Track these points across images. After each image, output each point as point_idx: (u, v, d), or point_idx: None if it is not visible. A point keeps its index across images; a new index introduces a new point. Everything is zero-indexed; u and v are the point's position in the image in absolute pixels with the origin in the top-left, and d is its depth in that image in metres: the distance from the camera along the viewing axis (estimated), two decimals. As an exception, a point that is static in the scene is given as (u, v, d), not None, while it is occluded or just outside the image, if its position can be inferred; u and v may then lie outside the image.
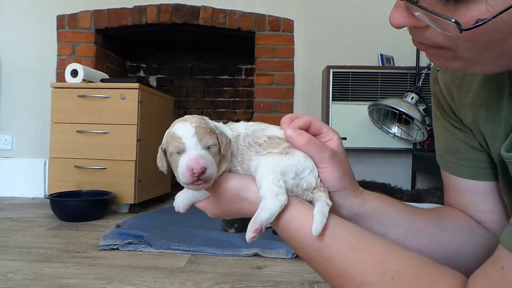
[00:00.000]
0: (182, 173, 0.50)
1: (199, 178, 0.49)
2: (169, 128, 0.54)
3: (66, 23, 2.88)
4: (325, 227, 0.48)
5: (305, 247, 0.50)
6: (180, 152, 0.51)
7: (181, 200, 0.59)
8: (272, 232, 1.53)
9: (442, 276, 0.44)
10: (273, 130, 0.57)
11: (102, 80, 2.47)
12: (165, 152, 0.54)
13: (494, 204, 0.58)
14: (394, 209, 0.59)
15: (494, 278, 0.40)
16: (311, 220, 0.48)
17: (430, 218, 0.60)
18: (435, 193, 2.01)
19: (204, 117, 0.56)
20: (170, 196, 2.91)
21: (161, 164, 0.55)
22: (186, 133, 0.51)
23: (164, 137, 0.54)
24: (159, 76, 3.71)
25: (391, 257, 0.46)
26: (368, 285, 0.44)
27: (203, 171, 0.49)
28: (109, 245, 1.57)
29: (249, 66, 3.57)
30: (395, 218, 0.59)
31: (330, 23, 2.85)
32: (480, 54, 0.38)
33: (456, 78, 0.58)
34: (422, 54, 2.54)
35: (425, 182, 2.69)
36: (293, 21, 2.85)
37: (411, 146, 2.52)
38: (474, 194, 0.59)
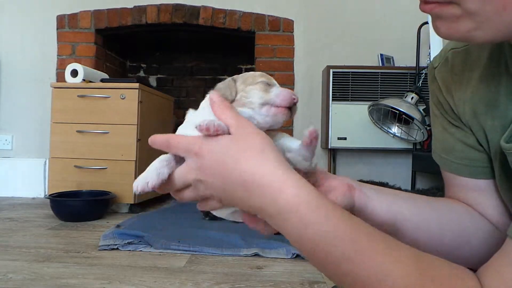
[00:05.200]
0: (281, 95, 0.50)
1: (291, 108, 0.50)
2: (242, 74, 0.53)
3: (66, 23, 2.88)
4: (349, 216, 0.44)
5: (336, 234, 0.42)
6: (271, 84, 0.51)
7: None
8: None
9: (469, 275, 0.42)
10: None
11: (102, 80, 2.47)
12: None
13: (494, 200, 0.58)
14: (393, 192, 0.61)
15: (506, 273, 0.39)
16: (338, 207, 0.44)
17: (430, 200, 0.62)
18: (436, 193, 2.01)
19: None
20: (170, 196, 2.91)
21: (229, 92, 0.50)
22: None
23: (236, 76, 0.53)
24: (159, 76, 3.71)
25: (422, 257, 0.42)
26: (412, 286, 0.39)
27: (297, 100, 0.50)
28: (109, 245, 1.57)
29: (249, 66, 3.57)
30: (395, 197, 0.59)
31: (330, 23, 2.85)
32: (483, 4, 0.38)
33: (455, 74, 0.58)
34: (422, 54, 2.54)
35: (425, 182, 2.69)
36: (293, 21, 2.85)
37: (411, 146, 2.52)
38: (473, 190, 0.60)
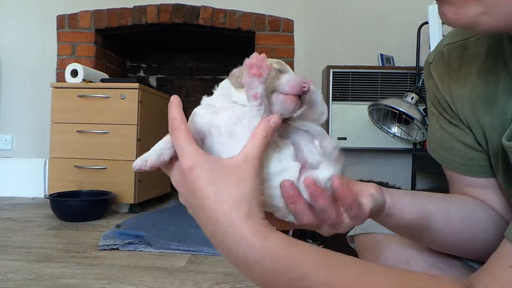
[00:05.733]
0: (290, 82, 0.45)
1: (301, 96, 0.46)
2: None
3: (66, 23, 2.88)
4: (320, 251, 0.42)
5: (308, 277, 0.40)
6: (283, 72, 0.48)
7: None
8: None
9: (452, 282, 0.40)
10: None
11: (102, 80, 2.47)
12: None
13: (497, 195, 0.58)
14: (412, 192, 0.59)
15: (503, 278, 0.37)
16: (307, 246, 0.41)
17: (445, 195, 0.61)
18: (435, 193, 2.01)
19: None
20: (170, 196, 2.91)
21: (239, 76, 0.48)
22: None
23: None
24: (159, 76, 3.71)
25: (390, 274, 0.41)
26: None
27: (309, 89, 0.46)
28: (109, 245, 1.57)
29: (249, 66, 3.57)
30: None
31: (330, 23, 2.85)
32: None
33: (452, 71, 0.57)
34: (422, 54, 2.54)
35: (425, 182, 2.69)
36: (293, 21, 2.85)
37: (411, 146, 2.52)
38: (476, 187, 0.60)
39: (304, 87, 0.45)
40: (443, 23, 0.46)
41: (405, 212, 0.52)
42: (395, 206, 0.52)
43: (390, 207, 0.51)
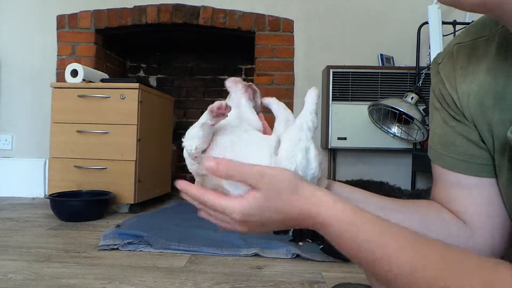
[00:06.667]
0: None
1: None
2: None
3: (66, 23, 2.88)
4: (382, 221, 0.49)
5: (369, 244, 0.47)
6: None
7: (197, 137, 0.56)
8: (272, 232, 1.53)
9: (504, 263, 0.42)
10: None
11: (102, 80, 2.47)
12: None
13: (479, 199, 0.59)
14: (365, 193, 0.64)
15: None
16: (373, 216, 0.49)
17: (399, 202, 0.64)
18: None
19: None
20: (170, 196, 2.92)
21: None
22: None
23: None
24: (159, 76, 3.71)
25: (449, 250, 0.45)
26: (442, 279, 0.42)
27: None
28: (109, 245, 1.57)
29: (249, 66, 3.57)
30: (365, 199, 0.63)
31: (330, 23, 2.85)
32: None
33: (460, 68, 0.58)
34: (422, 54, 2.54)
35: (425, 182, 2.69)
36: (293, 21, 2.85)
37: (411, 146, 2.52)
38: (461, 188, 0.60)
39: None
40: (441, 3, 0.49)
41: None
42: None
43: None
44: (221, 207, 0.50)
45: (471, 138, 0.58)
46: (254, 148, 0.56)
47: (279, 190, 0.49)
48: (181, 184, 0.52)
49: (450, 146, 0.60)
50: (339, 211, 0.48)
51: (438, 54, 0.64)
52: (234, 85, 0.65)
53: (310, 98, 0.57)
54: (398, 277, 0.44)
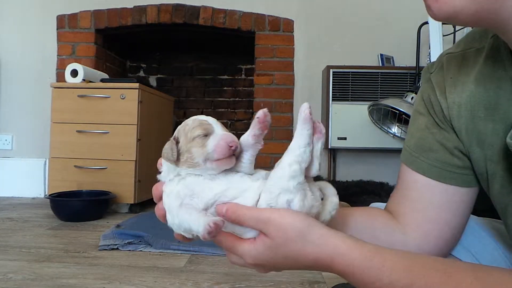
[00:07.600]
0: (217, 148, 0.49)
1: (234, 153, 0.49)
2: (184, 122, 0.53)
3: (66, 23, 2.88)
4: (404, 256, 0.48)
5: (395, 284, 0.45)
6: (208, 134, 0.51)
7: (206, 225, 0.48)
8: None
9: None
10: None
11: (102, 80, 2.47)
12: (177, 142, 0.53)
13: (433, 211, 0.60)
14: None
15: None
16: (392, 253, 0.47)
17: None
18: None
19: None
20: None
21: (171, 154, 0.52)
22: (210, 119, 0.52)
23: (178, 129, 0.53)
24: (159, 76, 3.71)
25: (479, 273, 0.45)
26: None
27: (237, 146, 0.49)
28: (109, 245, 1.57)
29: (249, 66, 3.57)
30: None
31: (330, 23, 2.85)
32: None
33: (450, 77, 0.58)
34: (422, 54, 2.54)
35: (425, 182, 2.68)
36: (293, 21, 2.85)
37: (411, 146, 2.52)
38: (429, 193, 0.61)
39: (232, 147, 0.49)
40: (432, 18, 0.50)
41: None
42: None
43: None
44: (234, 249, 0.51)
45: (448, 146, 0.59)
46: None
47: (286, 239, 0.47)
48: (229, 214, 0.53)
49: (427, 151, 0.61)
50: (356, 257, 0.46)
51: (431, 63, 0.65)
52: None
53: (302, 124, 0.47)
54: None
